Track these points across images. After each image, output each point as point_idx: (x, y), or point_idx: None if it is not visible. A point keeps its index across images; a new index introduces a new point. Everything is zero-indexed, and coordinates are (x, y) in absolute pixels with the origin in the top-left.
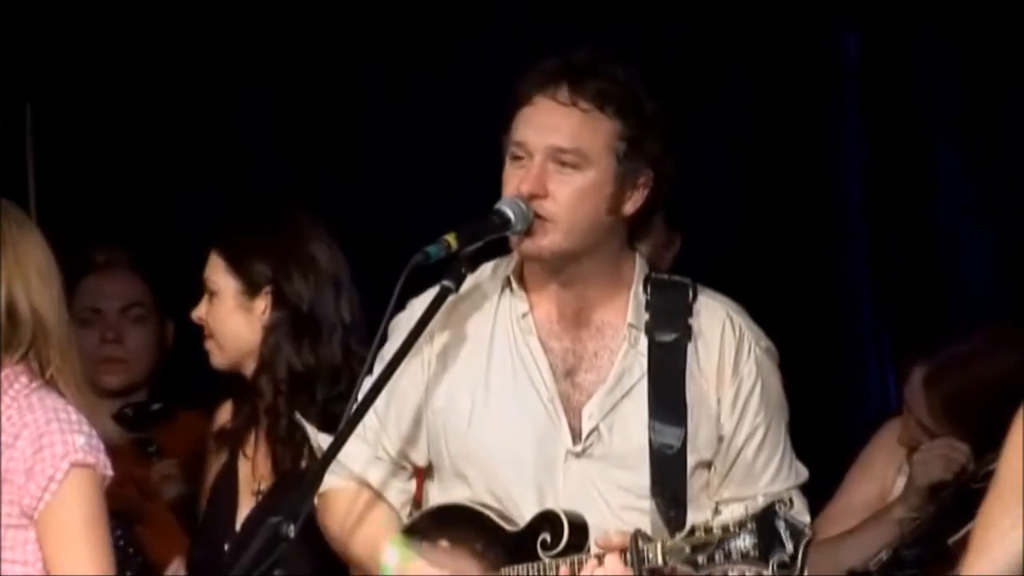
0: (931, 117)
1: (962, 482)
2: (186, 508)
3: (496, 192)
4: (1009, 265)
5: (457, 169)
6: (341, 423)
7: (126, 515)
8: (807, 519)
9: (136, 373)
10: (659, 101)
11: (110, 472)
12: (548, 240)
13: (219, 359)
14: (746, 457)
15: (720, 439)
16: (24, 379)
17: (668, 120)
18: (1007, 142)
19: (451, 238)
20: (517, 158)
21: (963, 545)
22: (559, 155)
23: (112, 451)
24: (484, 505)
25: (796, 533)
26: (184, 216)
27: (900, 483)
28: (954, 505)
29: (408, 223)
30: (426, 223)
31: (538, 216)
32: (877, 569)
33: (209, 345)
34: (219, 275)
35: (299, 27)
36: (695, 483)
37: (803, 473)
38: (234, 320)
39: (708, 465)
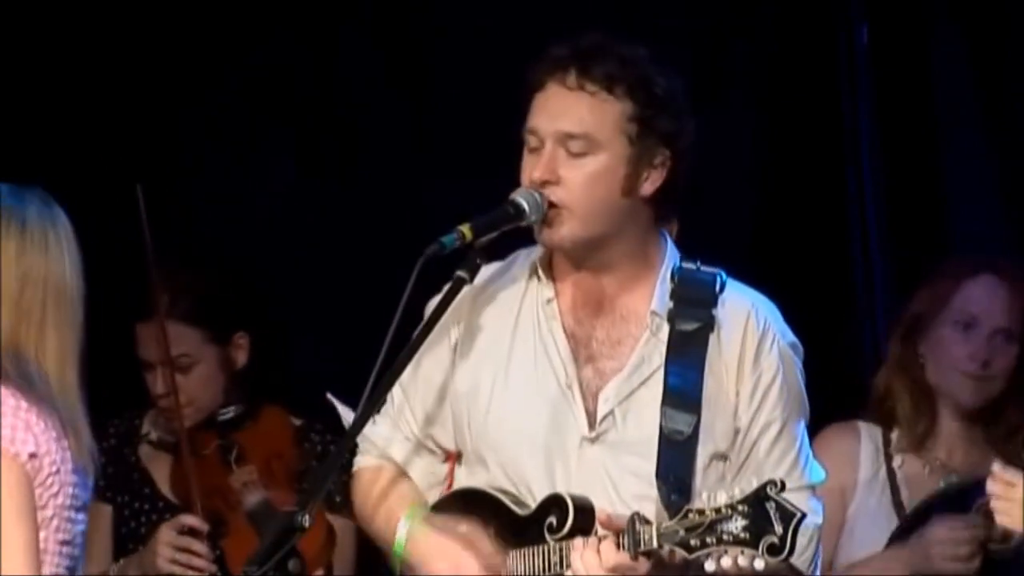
0: (942, 100)
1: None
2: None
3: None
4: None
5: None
6: (360, 406)
7: (216, 529)
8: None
9: (204, 408)
10: (671, 79)
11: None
12: (566, 229)
13: None
14: (759, 450)
15: (737, 431)
16: None
17: (682, 98)
18: (1019, 121)
19: (466, 228)
20: (532, 146)
21: None
22: (568, 141)
23: (199, 461)
24: (500, 490)
25: (786, 516)
26: (189, 215)
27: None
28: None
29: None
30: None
31: (552, 204)
32: None
33: None
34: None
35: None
36: (710, 475)
37: (819, 474)
38: None
39: (724, 457)
